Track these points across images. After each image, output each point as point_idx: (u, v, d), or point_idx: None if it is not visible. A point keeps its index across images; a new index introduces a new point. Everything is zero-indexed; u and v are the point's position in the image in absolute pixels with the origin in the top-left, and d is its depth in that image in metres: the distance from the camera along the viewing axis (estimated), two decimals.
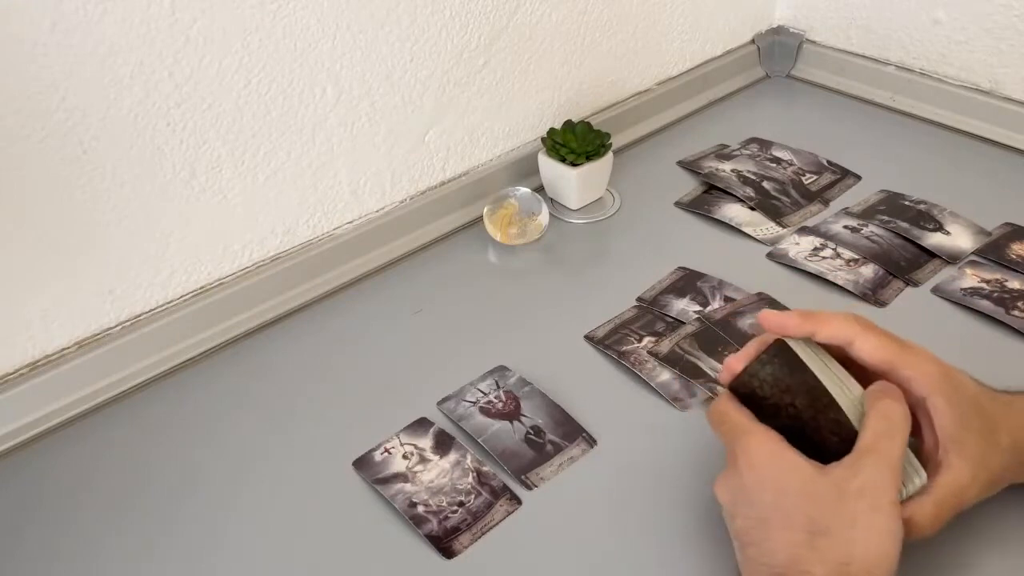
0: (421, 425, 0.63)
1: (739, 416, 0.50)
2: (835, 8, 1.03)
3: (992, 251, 0.76)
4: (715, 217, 0.84)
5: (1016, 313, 0.69)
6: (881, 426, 0.46)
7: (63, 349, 0.67)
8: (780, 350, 0.50)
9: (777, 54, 1.09)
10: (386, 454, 0.61)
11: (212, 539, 0.57)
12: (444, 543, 0.55)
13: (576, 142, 0.82)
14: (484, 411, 0.64)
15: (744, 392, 0.51)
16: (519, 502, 0.58)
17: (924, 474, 0.48)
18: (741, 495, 0.48)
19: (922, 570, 0.51)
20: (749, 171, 0.89)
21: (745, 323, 0.70)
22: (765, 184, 0.87)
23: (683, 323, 0.71)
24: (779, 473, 0.47)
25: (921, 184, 0.85)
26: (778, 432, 0.49)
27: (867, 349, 0.50)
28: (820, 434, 0.48)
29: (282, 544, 0.56)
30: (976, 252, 0.76)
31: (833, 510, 0.45)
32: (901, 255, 0.76)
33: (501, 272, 0.80)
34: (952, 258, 0.76)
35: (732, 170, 0.89)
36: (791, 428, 0.49)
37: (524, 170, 0.88)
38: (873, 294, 0.73)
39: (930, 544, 0.48)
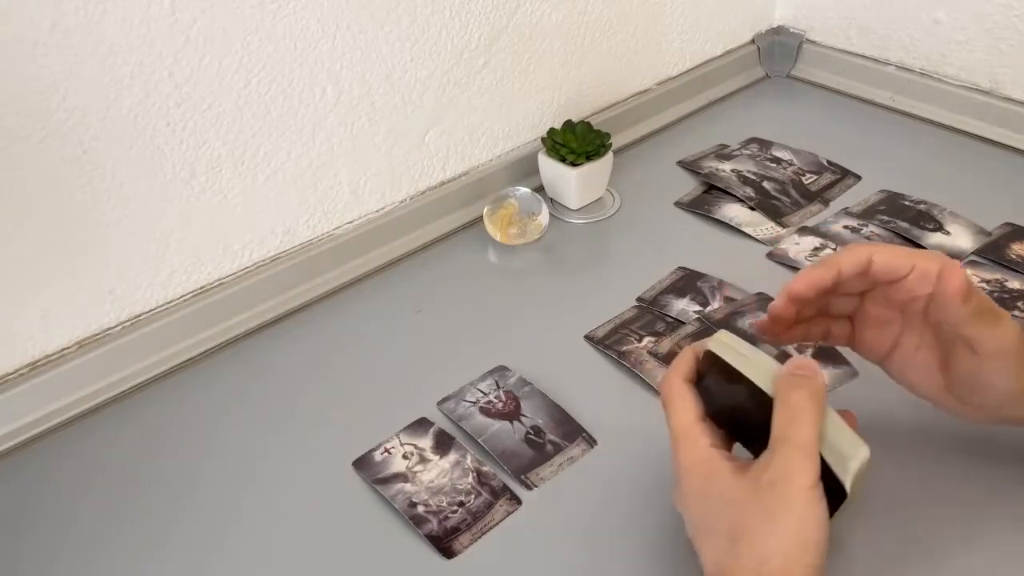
0: (421, 425, 0.63)
1: (678, 413, 0.49)
2: (835, 8, 1.03)
3: (992, 251, 0.76)
4: (715, 217, 0.84)
5: (1016, 313, 0.69)
6: (785, 414, 0.45)
7: (63, 349, 0.67)
8: (713, 361, 0.49)
9: (777, 54, 1.09)
10: (386, 454, 0.61)
11: (212, 539, 0.57)
12: (444, 543, 0.55)
13: (576, 142, 0.83)
14: (484, 411, 0.64)
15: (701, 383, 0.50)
16: (519, 502, 0.58)
17: (865, 449, 0.45)
18: (680, 503, 0.49)
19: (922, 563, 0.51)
20: (749, 171, 0.89)
21: (745, 323, 0.70)
22: (765, 184, 0.87)
23: (683, 323, 0.71)
24: (701, 482, 0.47)
25: (921, 184, 0.85)
26: (735, 423, 0.48)
27: (886, 259, 0.50)
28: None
29: (282, 544, 0.56)
30: (976, 252, 0.76)
31: (750, 509, 0.44)
32: None
33: (501, 272, 0.80)
34: (952, 258, 0.75)
35: (732, 170, 0.89)
36: (746, 422, 0.48)
37: (524, 170, 0.89)
38: None
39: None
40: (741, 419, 0.49)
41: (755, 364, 0.48)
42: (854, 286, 0.52)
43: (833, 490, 0.44)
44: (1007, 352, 0.49)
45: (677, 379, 0.50)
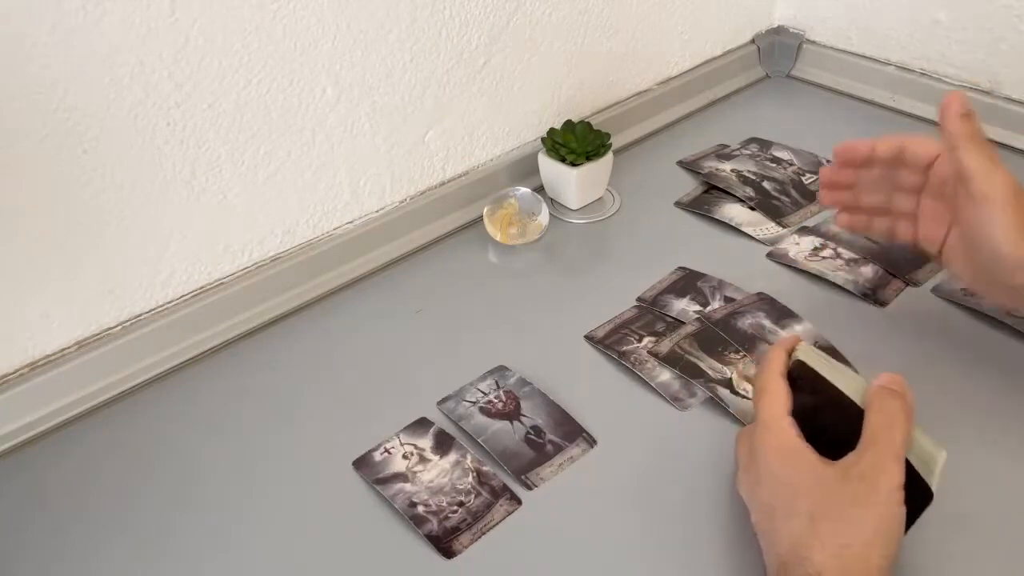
0: (421, 425, 0.63)
1: (769, 403, 0.51)
2: (835, 8, 1.03)
3: None
4: (715, 217, 0.84)
5: (1015, 313, 0.69)
6: (880, 419, 0.48)
7: (63, 349, 0.67)
8: (801, 369, 0.53)
9: (777, 54, 1.09)
10: (386, 454, 0.61)
11: (212, 539, 0.57)
12: (444, 543, 0.55)
13: (576, 142, 0.83)
14: (484, 411, 0.64)
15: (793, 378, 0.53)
16: (519, 502, 0.58)
17: (944, 452, 0.48)
18: (754, 487, 0.50)
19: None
20: (749, 171, 0.89)
21: (745, 323, 0.70)
22: (765, 184, 0.87)
23: (683, 323, 0.71)
24: (786, 463, 0.49)
25: None
26: (812, 428, 0.50)
27: (917, 141, 0.61)
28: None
29: (282, 544, 0.56)
30: None
31: (836, 494, 0.46)
32: (901, 255, 0.76)
33: (501, 272, 0.80)
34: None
35: (732, 170, 0.89)
36: (824, 427, 0.50)
37: (524, 170, 0.88)
38: (873, 294, 0.73)
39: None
40: (818, 423, 0.50)
41: (842, 376, 0.51)
42: (908, 178, 0.62)
43: (916, 493, 0.47)
44: (998, 195, 0.54)
45: (775, 373, 0.53)
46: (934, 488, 0.47)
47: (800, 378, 0.52)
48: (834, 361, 0.53)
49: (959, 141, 0.55)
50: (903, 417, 0.48)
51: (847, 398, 0.50)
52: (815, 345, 0.66)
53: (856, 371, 0.53)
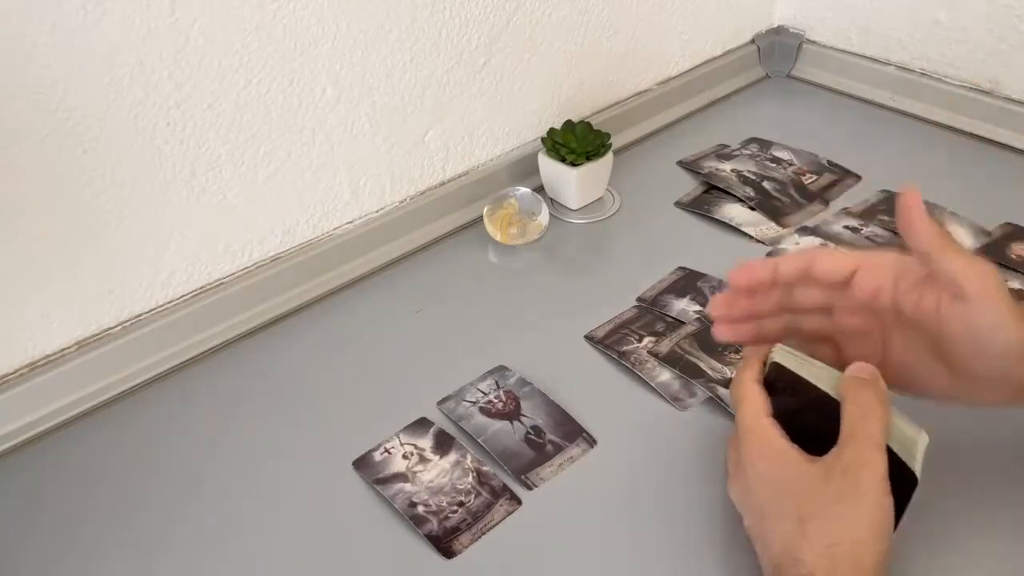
0: (421, 425, 0.63)
1: (748, 408, 0.51)
2: (835, 8, 1.03)
3: (992, 251, 0.76)
4: (715, 217, 0.84)
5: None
6: (855, 411, 0.47)
7: (63, 349, 0.67)
8: (778, 372, 0.52)
9: (777, 54, 1.09)
10: (386, 454, 0.61)
11: (212, 540, 0.57)
12: (444, 543, 0.55)
13: (576, 142, 0.83)
14: (484, 411, 0.64)
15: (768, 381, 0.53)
16: (519, 502, 0.58)
17: (925, 435, 0.48)
18: (744, 492, 0.50)
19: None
20: (749, 171, 0.89)
21: None
22: (765, 184, 0.87)
23: (683, 323, 0.71)
24: (771, 464, 0.48)
25: (921, 184, 0.83)
26: (795, 428, 0.50)
27: (829, 260, 0.51)
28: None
29: (282, 544, 0.56)
30: (976, 252, 0.76)
31: (820, 492, 0.45)
32: None
33: (501, 272, 0.80)
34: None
35: (732, 170, 0.89)
36: (806, 426, 0.50)
37: (524, 170, 0.88)
38: None
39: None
40: (802, 424, 0.50)
41: (818, 372, 0.51)
42: (812, 296, 0.52)
43: (902, 480, 0.46)
44: (993, 290, 0.46)
45: (749, 379, 0.52)
46: (918, 472, 0.47)
47: (778, 381, 0.52)
48: (811, 359, 0.52)
49: (935, 247, 0.48)
50: (878, 405, 0.47)
51: (827, 395, 0.50)
52: None
53: (829, 366, 0.52)
